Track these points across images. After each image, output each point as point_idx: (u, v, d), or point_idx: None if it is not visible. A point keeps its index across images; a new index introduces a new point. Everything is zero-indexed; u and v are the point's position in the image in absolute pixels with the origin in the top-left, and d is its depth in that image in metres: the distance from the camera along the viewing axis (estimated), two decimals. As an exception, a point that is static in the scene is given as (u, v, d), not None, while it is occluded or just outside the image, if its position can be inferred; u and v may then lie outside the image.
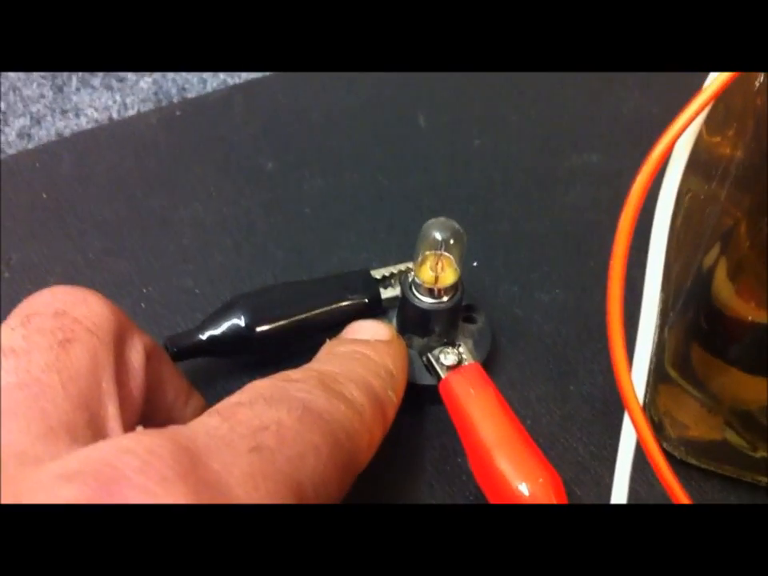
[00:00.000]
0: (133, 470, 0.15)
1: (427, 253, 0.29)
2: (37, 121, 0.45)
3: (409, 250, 0.37)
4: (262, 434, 0.18)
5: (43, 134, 0.44)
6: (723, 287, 0.25)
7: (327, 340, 0.27)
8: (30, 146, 0.43)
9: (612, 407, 0.32)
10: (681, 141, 0.18)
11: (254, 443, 0.18)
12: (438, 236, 0.29)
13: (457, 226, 0.29)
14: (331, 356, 0.26)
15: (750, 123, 0.25)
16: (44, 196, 0.39)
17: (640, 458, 0.22)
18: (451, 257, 0.29)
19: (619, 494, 0.20)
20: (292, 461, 0.18)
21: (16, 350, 0.19)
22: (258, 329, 0.30)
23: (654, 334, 0.20)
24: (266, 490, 0.17)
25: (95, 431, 0.18)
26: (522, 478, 0.25)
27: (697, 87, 0.22)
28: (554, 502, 0.25)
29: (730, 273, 0.25)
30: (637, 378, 0.19)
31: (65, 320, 0.20)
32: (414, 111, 0.44)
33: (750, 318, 0.24)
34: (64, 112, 0.45)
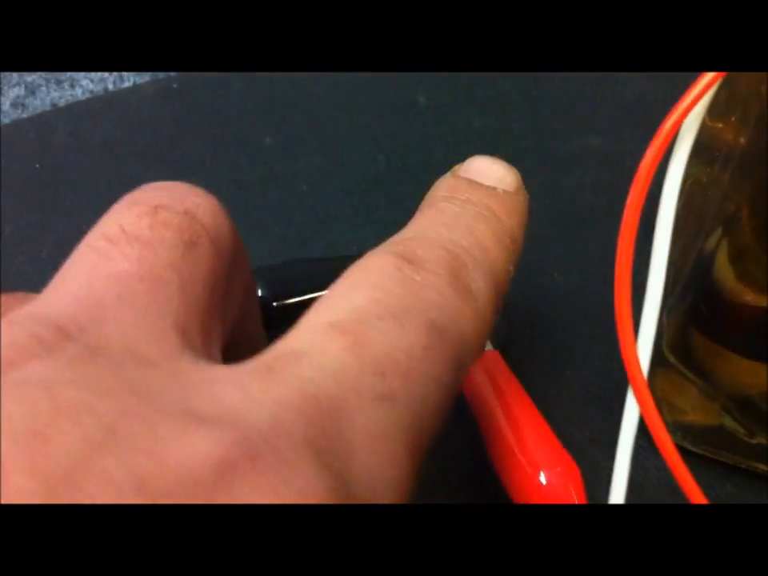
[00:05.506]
0: (257, 456, 0.12)
1: None
2: (31, 91, 0.44)
3: (407, 229, 0.36)
4: (391, 374, 0.15)
5: (38, 104, 0.43)
6: (724, 272, 0.24)
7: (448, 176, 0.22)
8: (24, 116, 0.42)
9: (609, 393, 0.31)
10: (687, 122, 0.18)
11: (379, 390, 0.14)
12: None
13: None
14: (455, 212, 0.20)
15: (754, 110, 0.24)
16: (37, 166, 0.38)
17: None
18: None
19: (619, 479, 0.20)
20: (414, 409, 0.15)
21: (141, 239, 0.16)
22: (276, 303, 0.29)
23: (658, 313, 0.20)
24: (386, 454, 0.14)
25: (204, 345, 0.16)
26: (540, 467, 0.25)
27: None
28: (572, 491, 0.25)
29: (731, 257, 0.24)
30: (642, 354, 0.19)
31: (193, 222, 0.17)
32: (415, 90, 0.44)
33: (750, 302, 0.24)
34: (59, 82, 0.45)
